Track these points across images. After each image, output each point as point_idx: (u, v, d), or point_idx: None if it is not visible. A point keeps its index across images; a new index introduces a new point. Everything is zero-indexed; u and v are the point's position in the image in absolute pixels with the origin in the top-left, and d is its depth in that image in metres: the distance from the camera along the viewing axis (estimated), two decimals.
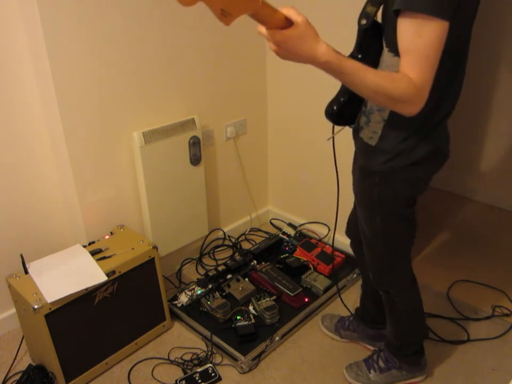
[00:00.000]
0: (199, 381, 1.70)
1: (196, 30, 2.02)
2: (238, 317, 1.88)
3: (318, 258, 2.20)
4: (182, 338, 1.91)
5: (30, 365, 1.75)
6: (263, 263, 2.20)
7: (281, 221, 2.68)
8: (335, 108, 1.33)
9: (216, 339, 1.83)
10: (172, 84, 2.02)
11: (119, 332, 1.78)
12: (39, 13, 1.54)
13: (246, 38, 2.24)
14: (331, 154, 1.49)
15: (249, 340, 1.81)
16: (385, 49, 1.17)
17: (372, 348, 1.81)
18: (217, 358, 1.81)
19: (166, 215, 2.11)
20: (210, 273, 2.13)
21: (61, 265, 1.67)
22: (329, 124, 1.42)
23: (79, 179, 1.84)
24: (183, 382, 1.70)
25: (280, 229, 2.55)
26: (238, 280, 2.10)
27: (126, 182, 1.99)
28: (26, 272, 1.65)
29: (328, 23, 1.85)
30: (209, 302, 1.94)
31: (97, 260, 1.69)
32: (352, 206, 1.65)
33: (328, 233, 2.45)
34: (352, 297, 2.10)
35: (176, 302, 2.02)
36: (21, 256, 1.68)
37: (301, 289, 2.04)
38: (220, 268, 2.17)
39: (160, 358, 1.82)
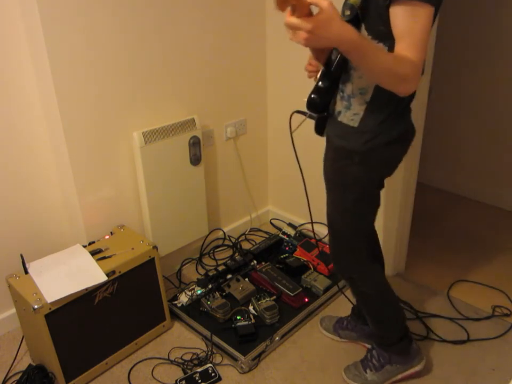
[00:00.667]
0: (199, 381, 1.70)
1: (196, 29, 2.02)
2: (238, 317, 1.88)
3: (318, 258, 2.20)
4: (182, 338, 1.91)
5: (30, 365, 1.75)
6: (263, 263, 2.20)
7: (281, 221, 2.68)
8: (316, 97, 1.38)
9: (216, 339, 1.83)
10: (172, 83, 2.02)
11: (119, 332, 1.78)
12: (39, 13, 1.54)
13: (246, 37, 2.24)
14: None
15: (249, 339, 1.81)
16: (368, 38, 1.22)
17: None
18: (217, 358, 1.81)
19: (166, 215, 2.11)
20: (210, 273, 2.13)
21: (61, 265, 1.67)
22: None
23: (79, 179, 1.84)
24: (183, 382, 1.70)
25: (280, 229, 2.55)
26: (238, 280, 2.10)
27: (126, 182, 1.99)
28: (26, 272, 1.65)
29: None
30: (209, 302, 1.94)
31: (97, 260, 1.69)
32: None
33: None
34: (352, 296, 2.10)
35: (176, 302, 2.02)
36: (21, 256, 1.68)
37: (301, 289, 2.04)
38: (220, 268, 2.17)
39: (160, 358, 1.82)
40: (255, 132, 2.49)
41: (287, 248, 2.36)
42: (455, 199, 3.00)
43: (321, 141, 1.55)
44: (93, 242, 1.84)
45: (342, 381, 1.71)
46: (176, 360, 1.81)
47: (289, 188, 2.60)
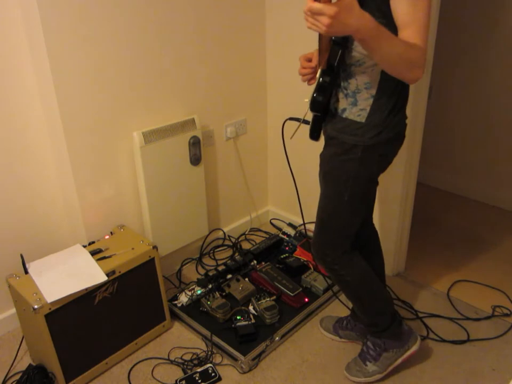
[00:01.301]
0: (199, 381, 1.70)
1: (196, 30, 2.02)
2: (238, 317, 1.88)
3: None
4: (182, 338, 1.91)
5: (30, 365, 1.75)
6: (263, 263, 2.20)
7: (281, 221, 2.68)
8: (320, 96, 1.40)
9: (216, 339, 1.83)
10: (172, 83, 2.02)
11: (119, 332, 1.78)
12: (39, 13, 1.54)
13: (246, 37, 2.24)
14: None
15: (249, 339, 1.81)
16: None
17: None
18: (217, 358, 1.81)
19: (166, 215, 2.11)
20: (210, 273, 2.13)
21: (61, 265, 1.67)
22: None
23: (79, 179, 1.84)
24: (183, 382, 1.70)
25: (280, 229, 2.55)
26: (238, 280, 2.10)
27: (126, 182, 1.99)
28: (26, 272, 1.65)
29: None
30: (209, 302, 1.94)
31: (97, 260, 1.69)
32: None
33: None
34: (347, 301, 2.10)
35: (176, 302, 2.02)
36: (21, 256, 1.68)
37: (301, 289, 2.04)
38: (220, 268, 2.17)
39: (160, 358, 1.82)
40: (255, 132, 2.49)
41: (287, 248, 2.36)
42: (454, 199, 3.00)
43: (319, 142, 1.55)
44: (93, 242, 1.84)
45: (342, 380, 1.71)
46: (176, 360, 1.81)
47: (289, 188, 2.59)
